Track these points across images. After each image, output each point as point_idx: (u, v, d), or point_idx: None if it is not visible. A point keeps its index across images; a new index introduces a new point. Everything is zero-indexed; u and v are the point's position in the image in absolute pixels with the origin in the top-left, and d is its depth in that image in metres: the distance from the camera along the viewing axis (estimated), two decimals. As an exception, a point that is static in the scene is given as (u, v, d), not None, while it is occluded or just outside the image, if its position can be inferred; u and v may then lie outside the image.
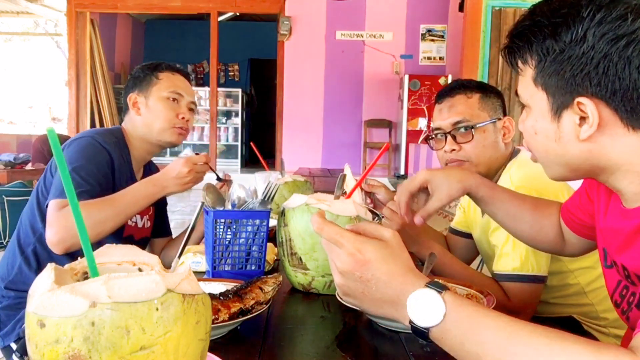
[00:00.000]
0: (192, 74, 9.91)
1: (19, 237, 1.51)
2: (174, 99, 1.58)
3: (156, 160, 1.78)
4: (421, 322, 0.62)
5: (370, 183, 1.56)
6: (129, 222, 1.55)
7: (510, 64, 0.78)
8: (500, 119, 1.42)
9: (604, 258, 0.87)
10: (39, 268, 1.45)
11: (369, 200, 1.57)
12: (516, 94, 0.80)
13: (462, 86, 1.43)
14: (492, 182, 1.12)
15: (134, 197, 1.38)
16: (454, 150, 1.41)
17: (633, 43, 0.64)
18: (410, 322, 0.63)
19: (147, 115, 1.56)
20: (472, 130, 1.38)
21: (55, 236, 1.29)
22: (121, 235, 1.51)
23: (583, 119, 0.69)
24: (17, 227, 1.53)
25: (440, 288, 0.62)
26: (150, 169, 1.72)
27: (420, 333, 0.62)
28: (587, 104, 0.68)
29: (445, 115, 1.42)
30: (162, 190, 1.41)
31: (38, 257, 1.47)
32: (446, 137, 1.42)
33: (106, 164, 1.45)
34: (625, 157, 0.70)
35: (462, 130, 1.39)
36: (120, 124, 1.64)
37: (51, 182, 1.44)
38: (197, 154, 1.48)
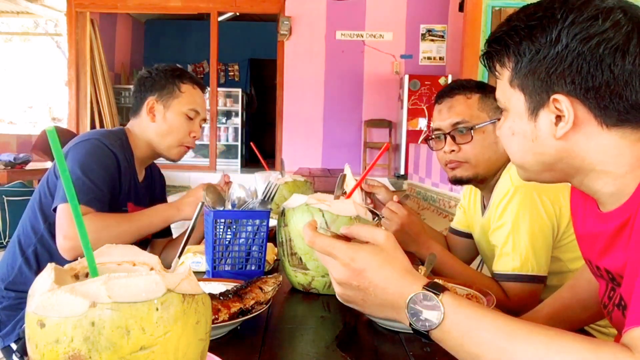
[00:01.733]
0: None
1: (19, 237, 1.51)
2: (190, 117, 1.58)
3: (156, 160, 1.77)
4: (420, 325, 0.62)
5: (370, 183, 1.56)
6: None
7: (489, 68, 0.81)
8: (500, 119, 1.41)
9: (590, 267, 0.87)
10: (40, 269, 1.44)
11: (369, 201, 1.57)
12: (495, 99, 0.82)
13: (462, 86, 1.43)
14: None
15: (151, 218, 1.42)
16: (453, 151, 1.41)
17: (604, 42, 0.66)
18: (410, 324, 0.63)
19: (162, 126, 1.56)
20: (471, 131, 1.38)
21: (68, 243, 1.30)
22: None
23: (559, 117, 0.71)
24: (18, 228, 1.53)
25: (438, 290, 0.62)
26: (152, 171, 1.72)
27: (422, 334, 0.63)
28: (563, 101, 0.70)
29: (445, 115, 1.42)
30: (178, 213, 1.44)
31: (38, 257, 1.47)
32: (445, 138, 1.42)
33: (114, 167, 1.45)
34: (599, 157, 0.71)
35: (461, 131, 1.39)
36: (121, 123, 1.64)
37: (55, 183, 1.43)
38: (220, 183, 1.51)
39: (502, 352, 0.57)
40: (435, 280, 0.65)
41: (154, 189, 1.71)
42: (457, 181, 1.43)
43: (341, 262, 0.66)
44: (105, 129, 1.71)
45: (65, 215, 1.32)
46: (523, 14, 0.74)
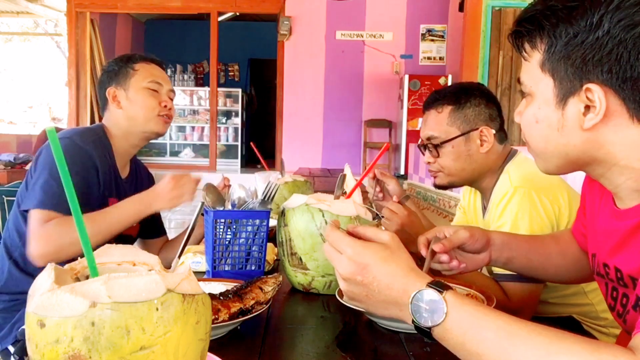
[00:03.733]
0: (192, 74, 9.90)
1: (5, 241, 1.49)
2: (154, 89, 1.57)
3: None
4: (423, 322, 0.62)
5: (383, 172, 1.58)
6: None
7: (517, 48, 0.76)
8: (476, 129, 1.39)
9: (593, 264, 0.86)
10: (29, 270, 1.43)
11: (378, 189, 1.58)
12: (518, 81, 0.78)
13: (435, 100, 1.44)
14: (510, 237, 1.08)
15: (118, 215, 1.36)
16: (429, 162, 1.46)
17: None
18: (413, 321, 0.63)
19: (130, 108, 1.55)
20: (437, 147, 1.41)
21: (37, 250, 1.28)
22: None
23: (588, 107, 0.68)
24: (4, 231, 1.52)
25: (442, 287, 0.62)
26: (137, 169, 1.71)
27: (424, 332, 0.63)
28: (596, 91, 0.67)
29: (423, 128, 1.47)
30: (148, 208, 1.39)
31: (26, 259, 1.45)
32: (425, 149, 1.47)
33: (88, 165, 1.43)
34: (625, 151, 0.69)
35: (432, 144, 1.42)
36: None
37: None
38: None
39: (503, 351, 0.57)
40: (438, 279, 0.65)
41: (140, 188, 1.68)
42: (439, 187, 1.49)
43: (347, 257, 0.66)
44: (82, 127, 1.69)
45: (36, 222, 1.30)
46: None
